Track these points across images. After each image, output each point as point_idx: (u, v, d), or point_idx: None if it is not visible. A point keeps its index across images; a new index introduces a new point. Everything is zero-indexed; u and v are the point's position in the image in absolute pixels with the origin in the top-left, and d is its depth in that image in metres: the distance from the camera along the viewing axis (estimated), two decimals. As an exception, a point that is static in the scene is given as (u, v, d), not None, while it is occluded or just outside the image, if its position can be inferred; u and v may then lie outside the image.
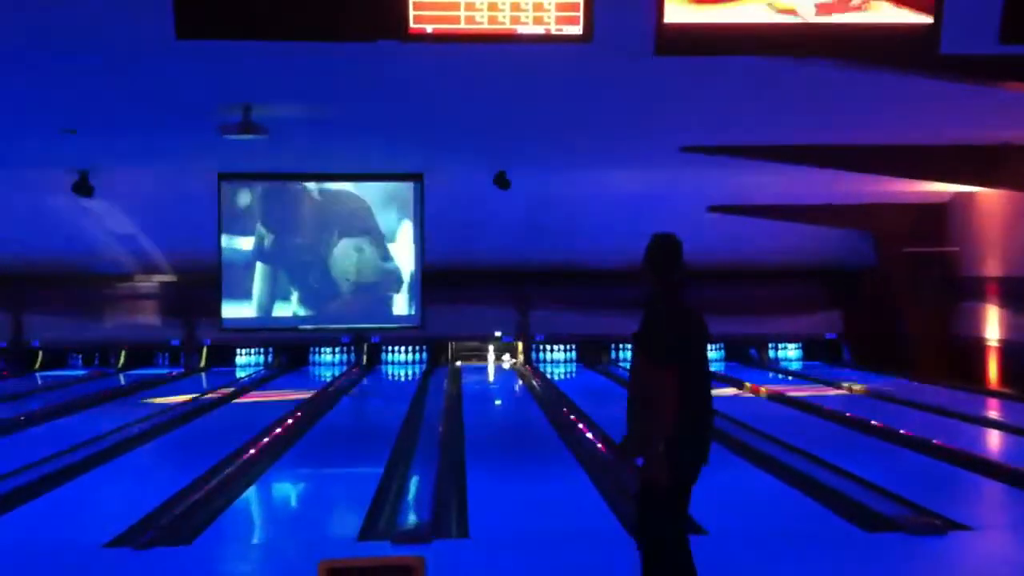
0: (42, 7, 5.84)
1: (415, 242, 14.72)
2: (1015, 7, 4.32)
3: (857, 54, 5.87)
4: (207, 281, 15.25)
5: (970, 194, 15.28)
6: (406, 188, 14.42)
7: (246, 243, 14.78)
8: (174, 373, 17.73)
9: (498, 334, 18.82)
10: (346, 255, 14.85)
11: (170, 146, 11.33)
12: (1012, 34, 4.41)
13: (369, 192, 14.80)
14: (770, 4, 4.44)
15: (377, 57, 6.64)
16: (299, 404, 13.18)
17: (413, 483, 8.41)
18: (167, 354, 18.69)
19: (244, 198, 14.63)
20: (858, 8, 4.47)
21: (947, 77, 7.06)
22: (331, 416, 12.80)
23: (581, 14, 4.68)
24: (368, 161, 13.28)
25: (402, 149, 12.09)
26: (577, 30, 4.70)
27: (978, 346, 15.34)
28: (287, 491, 8.76)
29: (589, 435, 10.28)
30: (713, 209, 15.76)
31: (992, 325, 15.17)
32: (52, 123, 9.84)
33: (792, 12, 4.50)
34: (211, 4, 4.34)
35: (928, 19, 4.46)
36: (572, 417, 11.65)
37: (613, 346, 18.73)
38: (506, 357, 19.02)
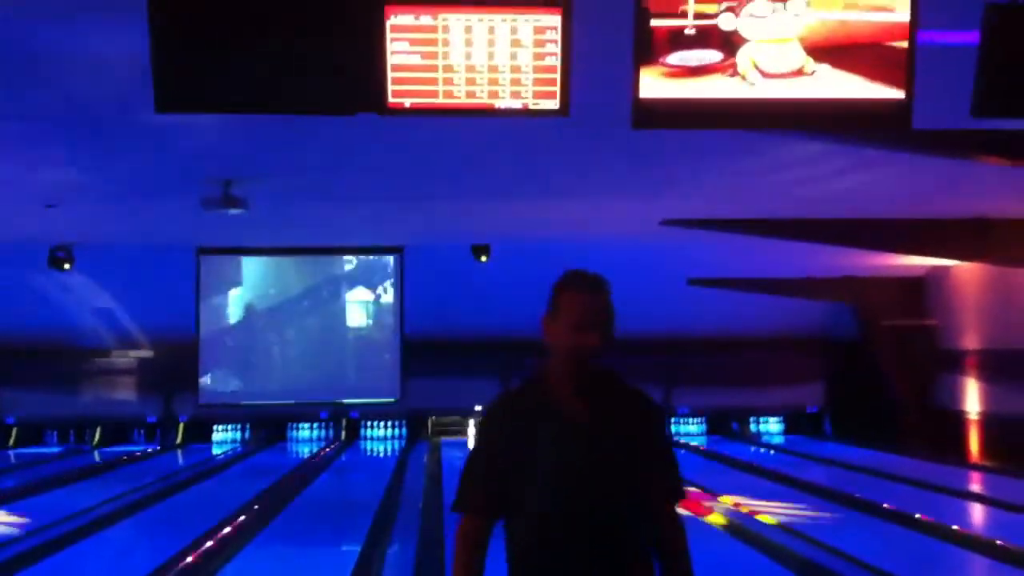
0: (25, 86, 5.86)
1: (395, 314, 14.66)
2: (987, 83, 4.38)
3: (831, 129, 5.93)
4: (184, 356, 15.10)
5: (945, 268, 15.39)
6: (387, 260, 14.41)
7: (222, 316, 14.67)
8: (150, 450, 17.48)
9: (479, 408, 18.65)
10: (326, 328, 14.76)
11: (148, 220, 11.31)
12: (985, 109, 4.46)
13: (349, 264, 14.77)
14: (743, 79, 4.48)
15: (358, 130, 6.67)
16: (276, 481, 12.98)
17: (391, 563, 8.25)
18: (143, 430, 18.42)
19: (222, 270, 14.56)
20: (829, 82, 4.52)
21: (920, 151, 7.16)
22: (308, 493, 12.60)
23: (558, 89, 4.71)
24: (348, 234, 13.28)
25: (383, 221, 12.11)
26: (554, 104, 4.73)
27: (959, 419, 15.31)
28: (262, 571, 8.57)
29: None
30: (693, 282, 15.80)
31: (972, 398, 15.17)
32: (30, 198, 9.82)
33: (763, 87, 4.55)
34: (190, 78, 4.35)
35: (900, 94, 4.52)
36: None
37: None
38: None
